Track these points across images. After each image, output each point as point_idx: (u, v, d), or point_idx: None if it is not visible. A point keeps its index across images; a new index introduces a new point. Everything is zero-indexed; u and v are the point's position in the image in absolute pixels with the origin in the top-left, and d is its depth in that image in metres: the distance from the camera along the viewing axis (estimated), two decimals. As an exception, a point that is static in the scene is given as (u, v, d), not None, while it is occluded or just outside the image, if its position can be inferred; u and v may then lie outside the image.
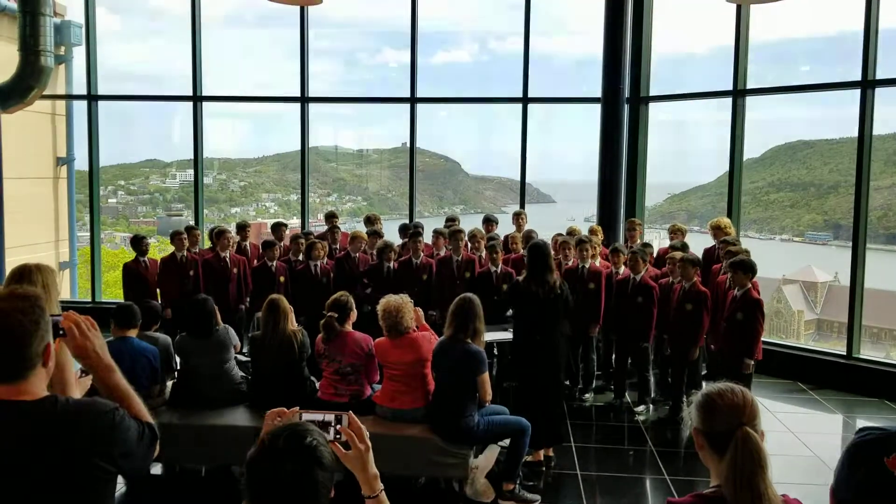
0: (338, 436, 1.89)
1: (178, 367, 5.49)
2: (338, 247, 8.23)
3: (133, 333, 5.05)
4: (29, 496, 1.68)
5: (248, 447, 1.71)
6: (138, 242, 7.99)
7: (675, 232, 7.82)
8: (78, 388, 2.16)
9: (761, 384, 7.62)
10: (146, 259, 7.97)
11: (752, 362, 5.95)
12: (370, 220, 8.65)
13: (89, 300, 10.92)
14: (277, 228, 8.57)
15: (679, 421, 6.54)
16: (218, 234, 7.90)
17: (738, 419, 1.78)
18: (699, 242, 7.95)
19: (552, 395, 5.63)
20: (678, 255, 6.73)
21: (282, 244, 8.12)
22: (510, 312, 6.11)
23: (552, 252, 5.86)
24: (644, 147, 9.92)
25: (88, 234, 11.05)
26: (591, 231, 8.01)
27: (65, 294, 11.01)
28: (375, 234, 8.02)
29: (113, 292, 13.10)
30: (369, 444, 1.90)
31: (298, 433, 1.62)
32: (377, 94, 11.50)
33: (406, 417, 4.93)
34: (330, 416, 1.93)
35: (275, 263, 7.64)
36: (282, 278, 7.59)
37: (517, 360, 5.72)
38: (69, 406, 1.77)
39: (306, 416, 1.93)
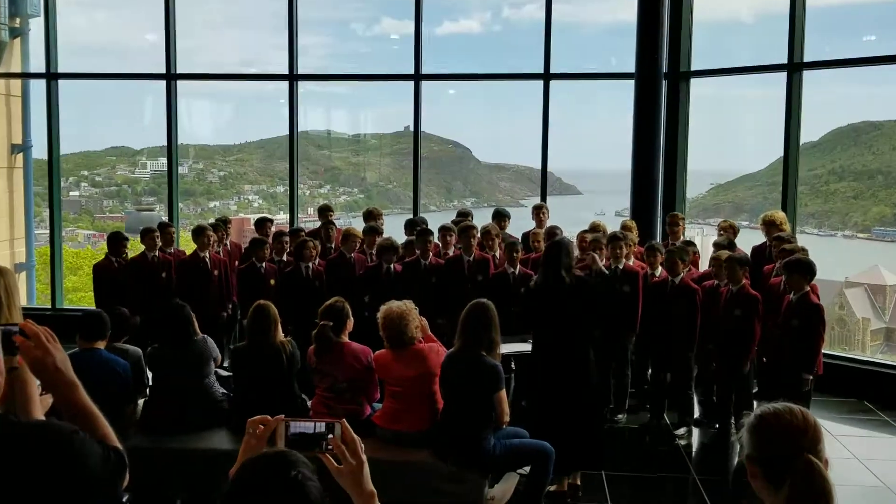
0: (329, 447, 1.89)
1: (150, 384, 5.51)
2: (333, 245, 8.24)
3: (101, 345, 5.07)
4: None
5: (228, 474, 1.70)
6: (117, 241, 8.00)
7: (726, 229, 7.78)
8: (41, 406, 2.15)
9: (821, 403, 7.55)
10: (120, 259, 7.99)
11: (811, 378, 5.92)
12: (371, 216, 8.63)
13: (49, 307, 10.97)
14: (262, 225, 8.56)
15: (727, 446, 6.49)
16: (197, 232, 7.93)
17: (798, 445, 1.76)
18: (749, 240, 7.90)
19: (582, 412, 5.57)
20: (724, 254, 6.70)
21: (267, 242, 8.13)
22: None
23: (575, 252, 5.84)
24: (685, 130, 9.86)
25: (48, 231, 11.11)
26: (625, 227, 7.96)
27: (22, 300, 11.04)
28: (374, 231, 8.00)
29: (76, 298, 13.17)
30: (364, 458, 1.89)
31: (281, 465, 1.59)
32: (375, 71, 11.53)
33: (410, 440, 4.92)
34: (321, 426, 1.92)
35: (264, 264, 7.66)
36: (272, 281, 7.62)
37: (536, 371, 5.68)
38: (21, 429, 1.74)
39: (294, 425, 1.93)
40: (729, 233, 7.72)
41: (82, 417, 1.93)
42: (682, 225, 8.08)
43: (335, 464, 1.85)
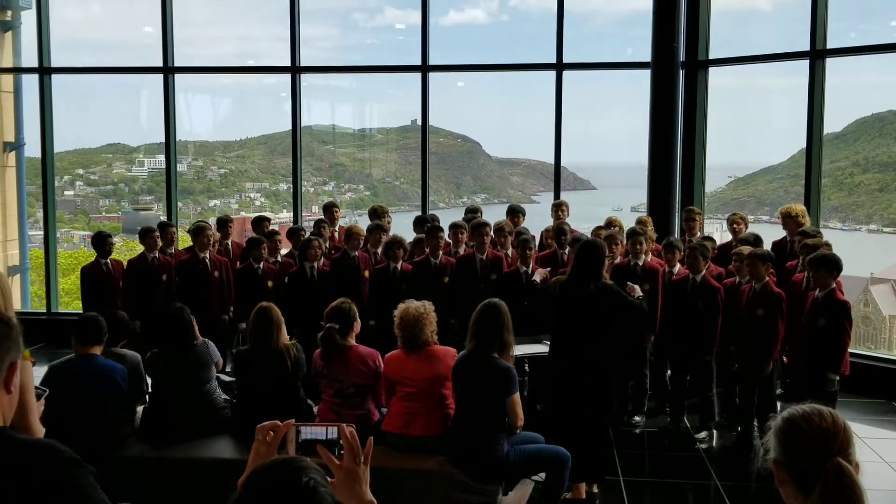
0: (342, 453, 1.92)
1: (150, 390, 5.55)
2: (327, 244, 8.22)
3: (98, 351, 5.10)
4: None
5: (234, 483, 1.69)
6: (102, 241, 8.07)
7: (736, 222, 7.77)
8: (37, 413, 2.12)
9: (848, 404, 7.53)
10: (109, 261, 8.04)
11: (838, 378, 5.92)
12: (377, 213, 8.66)
13: (44, 311, 11.03)
14: (259, 224, 8.63)
15: (751, 450, 6.50)
16: (196, 232, 7.94)
17: (828, 448, 1.77)
18: (770, 234, 7.88)
19: (596, 418, 5.61)
20: (746, 249, 6.68)
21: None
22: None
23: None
24: (703, 121, 9.86)
25: (42, 232, 11.17)
26: (640, 222, 7.98)
27: (15, 304, 11.09)
28: (379, 229, 8.03)
29: (70, 301, 13.23)
30: (360, 452, 1.89)
31: (293, 471, 1.57)
32: (381, 63, 11.52)
33: (421, 446, 4.93)
34: (333, 431, 1.97)
35: (262, 265, 7.72)
36: (270, 283, 7.67)
37: (554, 374, 5.70)
38: (23, 445, 1.66)
39: (304, 431, 1.98)
40: (740, 227, 7.72)
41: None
42: (699, 220, 8.10)
43: (336, 462, 1.86)
